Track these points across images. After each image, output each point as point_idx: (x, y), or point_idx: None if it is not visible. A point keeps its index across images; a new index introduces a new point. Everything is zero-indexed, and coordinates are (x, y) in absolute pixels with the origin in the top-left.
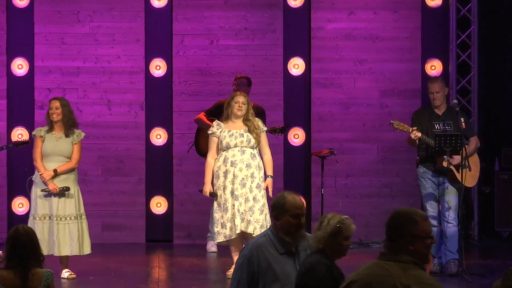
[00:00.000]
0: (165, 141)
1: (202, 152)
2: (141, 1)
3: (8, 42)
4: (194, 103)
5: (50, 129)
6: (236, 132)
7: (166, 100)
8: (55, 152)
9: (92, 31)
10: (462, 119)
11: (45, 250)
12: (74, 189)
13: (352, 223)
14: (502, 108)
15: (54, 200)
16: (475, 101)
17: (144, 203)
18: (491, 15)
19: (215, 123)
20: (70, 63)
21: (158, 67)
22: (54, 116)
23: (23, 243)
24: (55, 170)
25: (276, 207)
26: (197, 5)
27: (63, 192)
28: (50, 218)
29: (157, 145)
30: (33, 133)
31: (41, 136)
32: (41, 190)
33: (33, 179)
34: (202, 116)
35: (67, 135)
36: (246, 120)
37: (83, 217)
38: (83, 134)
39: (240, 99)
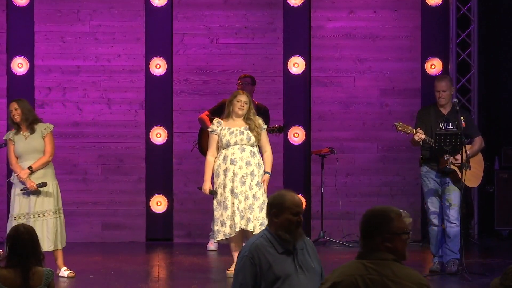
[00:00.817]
0: (165, 140)
1: (205, 151)
2: (141, 0)
3: (8, 41)
4: (194, 102)
5: (18, 130)
6: (236, 130)
7: (166, 99)
8: (28, 150)
9: (92, 30)
10: (462, 118)
11: None
12: (53, 184)
13: (408, 216)
14: (502, 107)
15: (32, 198)
16: (475, 100)
17: (144, 202)
18: (491, 14)
19: (215, 121)
20: (70, 62)
21: (158, 66)
22: (15, 117)
23: (24, 242)
24: (30, 167)
25: (275, 205)
26: (197, 4)
27: (42, 187)
28: (25, 216)
29: (157, 144)
30: (4, 138)
31: (11, 139)
32: (21, 190)
33: (11, 180)
34: (204, 116)
35: (32, 132)
36: (247, 119)
37: (61, 211)
38: (51, 126)
39: (242, 98)
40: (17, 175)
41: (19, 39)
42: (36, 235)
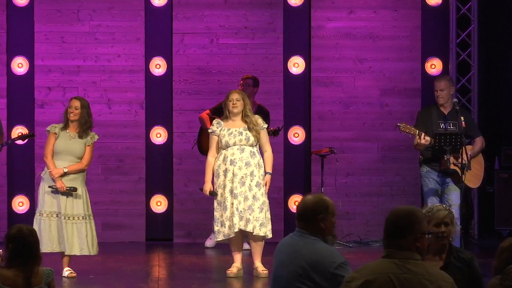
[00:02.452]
0: (165, 140)
1: (204, 150)
2: (141, 0)
3: (8, 41)
4: (194, 102)
5: (65, 127)
6: (235, 131)
7: (166, 99)
8: (67, 151)
9: (92, 30)
10: (463, 118)
11: (54, 247)
12: (82, 190)
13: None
14: (502, 107)
15: (62, 198)
16: (475, 100)
17: (144, 202)
18: (491, 14)
19: (215, 121)
20: (70, 62)
21: (158, 66)
22: (71, 115)
23: (29, 243)
24: (65, 169)
25: (321, 210)
26: (197, 4)
27: (70, 192)
28: (57, 216)
29: (157, 144)
30: (48, 129)
31: (55, 133)
32: (48, 187)
33: (41, 175)
34: (205, 115)
35: (80, 136)
36: (244, 117)
37: (91, 217)
38: (96, 137)
39: (234, 96)
40: (49, 172)
41: (19, 39)
42: (37, 236)
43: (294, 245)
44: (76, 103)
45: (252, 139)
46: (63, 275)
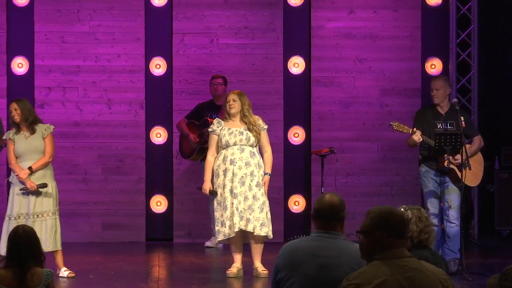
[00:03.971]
0: (165, 140)
1: (186, 154)
2: (141, 0)
3: (8, 41)
4: (194, 102)
5: (18, 130)
6: (236, 130)
7: (166, 99)
8: (28, 150)
9: (92, 30)
10: (463, 118)
11: None
12: (52, 185)
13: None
14: (502, 107)
15: (32, 198)
16: (475, 100)
17: (144, 202)
18: (491, 14)
19: (215, 121)
20: (70, 62)
21: (158, 66)
22: (15, 117)
23: (21, 244)
24: (30, 168)
25: (343, 209)
26: (197, 4)
27: (41, 189)
28: (25, 216)
29: (157, 144)
30: (4, 137)
31: (11, 139)
32: (20, 189)
33: (10, 180)
34: (182, 122)
35: (33, 132)
36: (243, 117)
37: (57, 213)
38: (52, 127)
39: (231, 97)
40: (16, 175)
41: (19, 39)
42: (37, 236)
43: (335, 248)
44: (14, 106)
45: (252, 139)
46: (61, 275)
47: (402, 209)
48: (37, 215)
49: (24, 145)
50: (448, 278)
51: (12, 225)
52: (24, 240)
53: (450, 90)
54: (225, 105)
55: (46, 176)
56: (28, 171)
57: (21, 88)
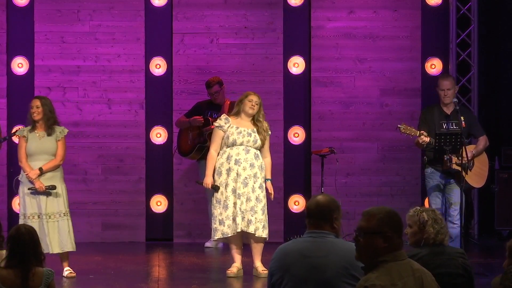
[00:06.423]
0: (165, 140)
1: (183, 151)
2: (141, 0)
3: (8, 41)
4: (194, 102)
5: (33, 128)
6: (245, 131)
7: (166, 98)
8: (40, 150)
9: (92, 30)
10: (463, 118)
11: None
12: (62, 187)
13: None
14: (502, 107)
15: (42, 198)
16: (475, 100)
17: (144, 201)
18: (491, 14)
19: (223, 116)
20: (70, 62)
21: (158, 66)
22: (35, 115)
23: (25, 242)
24: (40, 169)
25: (335, 210)
26: (197, 4)
27: (49, 191)
28: (39, 216)
29: (157, 143)
30: (17, 133)
31: (24, 136)
32: (28, 189)
33: (19, 179)
34: (181, 117)
35: (49, 134)
36: (256, 121)
37: (69, 214)
38: (66, 131)
39: (254, 98)
40: (26, 174)
41: (19, 39)
42: (37, 235)
43: (324, 248)
44: (37, 103)
45: (259, 142)
46: (63, 275)
47: (415, 211)
48: (49, 216)
49: (37, 144)
50: (429, 274)
51: (30, 223)
52: (28, 238)
53: (457, 89)
54: (243, 103)
55: (55, 178)
56: (38, 172)
57: (21, 88)
